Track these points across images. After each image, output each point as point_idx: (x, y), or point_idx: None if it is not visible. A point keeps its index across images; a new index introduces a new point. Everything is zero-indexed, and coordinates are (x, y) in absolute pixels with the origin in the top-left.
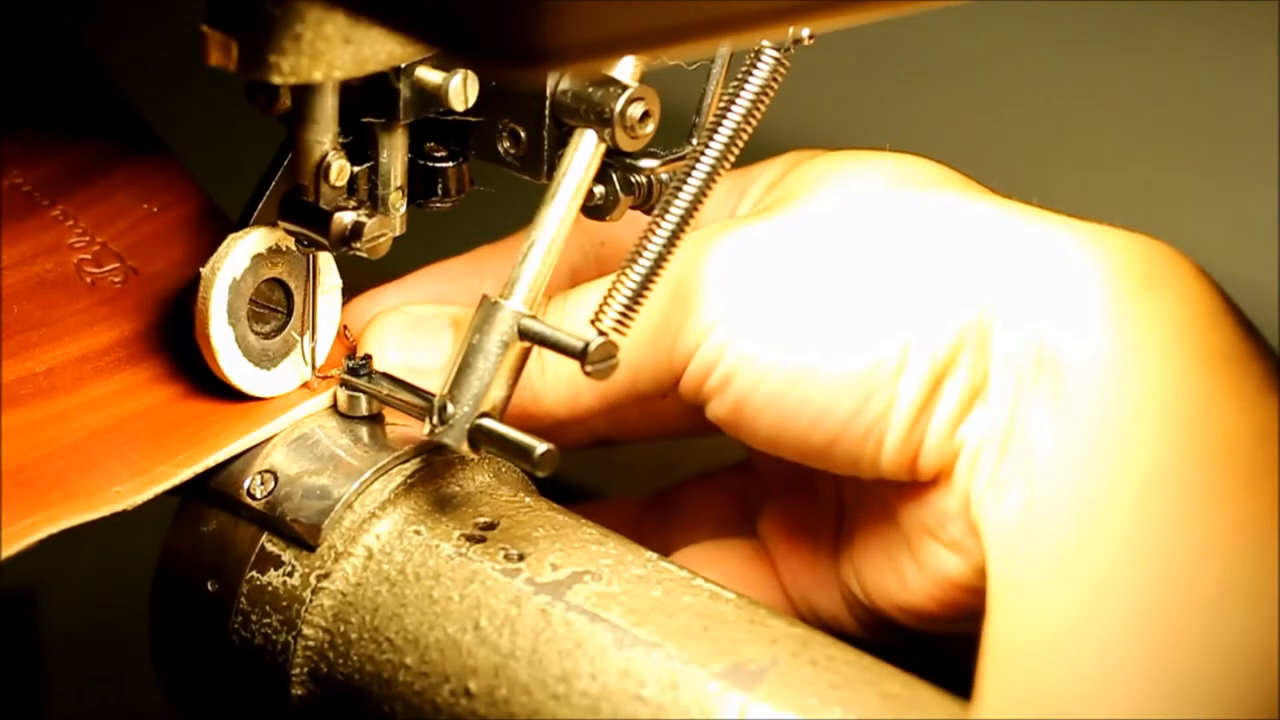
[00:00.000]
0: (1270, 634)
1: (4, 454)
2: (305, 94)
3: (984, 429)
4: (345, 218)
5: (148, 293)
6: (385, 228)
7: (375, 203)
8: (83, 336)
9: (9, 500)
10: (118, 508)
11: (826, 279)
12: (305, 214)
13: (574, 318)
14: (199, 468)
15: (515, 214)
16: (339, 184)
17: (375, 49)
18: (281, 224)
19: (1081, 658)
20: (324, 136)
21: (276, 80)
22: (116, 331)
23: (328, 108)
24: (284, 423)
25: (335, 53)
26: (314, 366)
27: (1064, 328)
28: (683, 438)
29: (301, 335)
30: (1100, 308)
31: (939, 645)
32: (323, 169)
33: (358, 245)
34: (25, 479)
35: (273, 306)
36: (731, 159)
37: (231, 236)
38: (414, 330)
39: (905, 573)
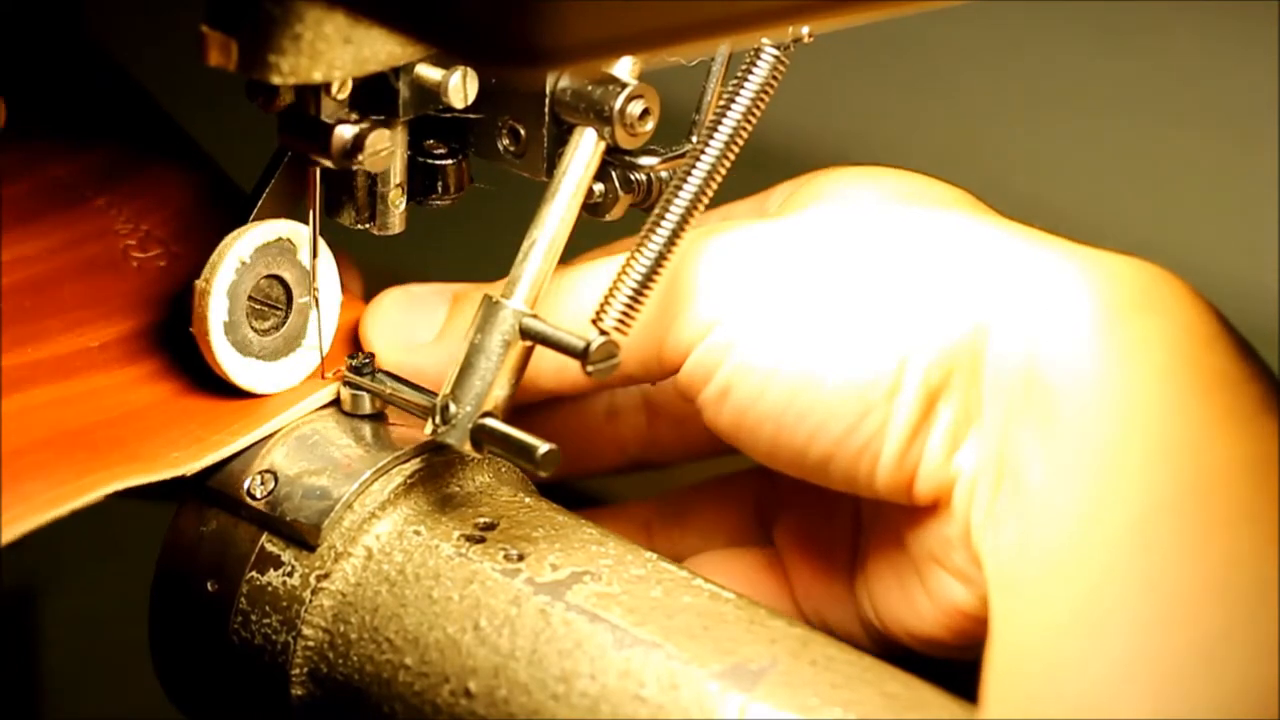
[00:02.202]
0: (1271, 679)
1: (63, 418)
2: None
3: (978, 457)
4: (346, 131)
5: (191, 278)
6: (385, 140)
7: (374, 200)
8: (133, 315)
9: (70, 459)
10: (176, 472)
11: (825, 288)
12: (306, 128)
13: (571, 301)
14: (256, 435)
15: (515, 212)
16: (341, 96)
17: (375, 49)
18: (281, 139)
19: (1077, 699)
20: None
21: (276, 80)
22: (164, 311)
23: None
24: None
25: (335, 53)
26: (322, 354)
27: (1054, 354)
28: (717, 456)
29: (310, 322)
30: (1091, 332)
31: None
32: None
33: (360, 158)
34: (87, 440)
35: (272, 303)
36: (731, 157)
37: (231, 234)
38: (411, 305)
39: (916, 600)
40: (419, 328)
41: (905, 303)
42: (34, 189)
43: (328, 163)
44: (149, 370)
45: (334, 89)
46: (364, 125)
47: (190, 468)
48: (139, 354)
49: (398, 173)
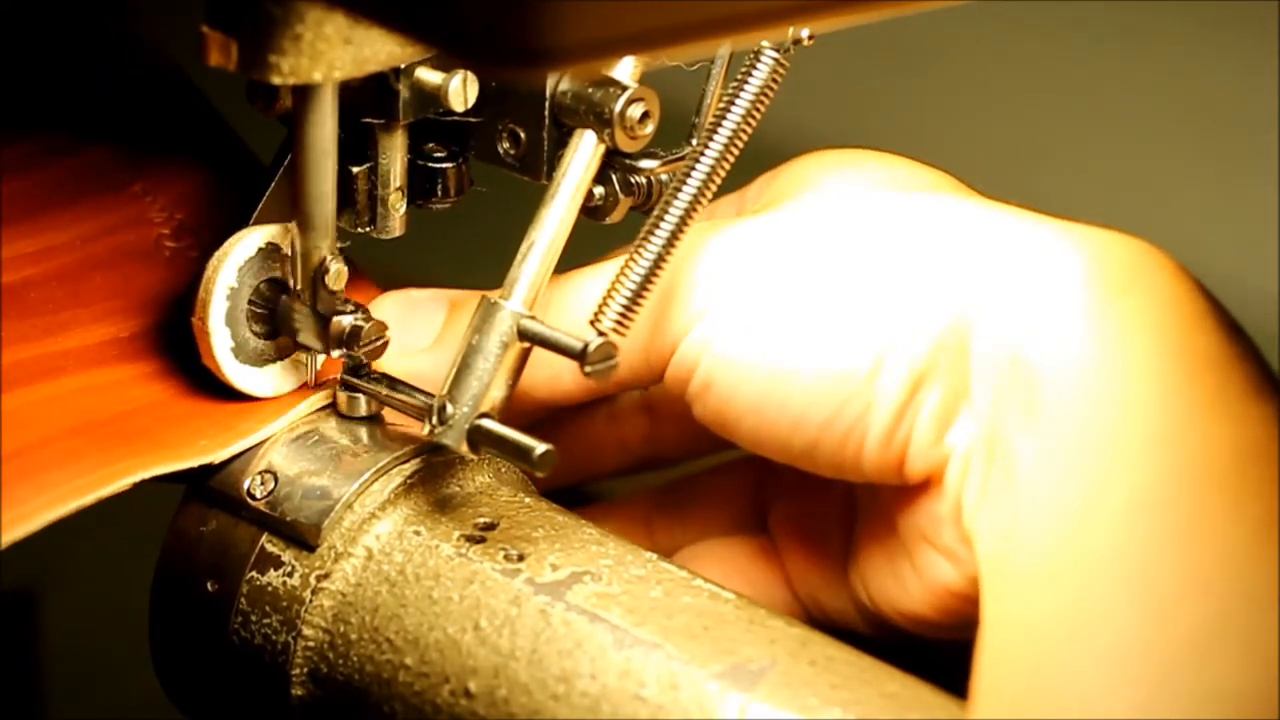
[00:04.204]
0: (1262, 677)
1: (91, 406)
2: (302, 183)
3: (971, 437)
4: (344, 321)
5: None
6: (381, 331)
7: (374, 203)
8: (163, 306)
9: (99, 447)
10: (206, 460)
11: (804, 282)
12: (304, 320)
13: (570, 307)
14: (284, 422)
15: (515, 215)
16: (337, 288)
17: (375, 49)
18: (281, 327)
19: (1066, 697)
20: (322, 242)
21: (276, 80)
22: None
23: (326, 213)
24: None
25: (335, 53)
26: (313, 369)
27: (1039, 334)
28: (721, 453)
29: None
30: (1076, 312)
31: (943, 647)
32: (320, 274)
33: (356, 348)
34: (114, 429)
35: (272, 307)
36: (731, 159)
37: (232, 237)
38: (409, 310)
39: (905, 578)
40: (416, 332)
41: (886, 290)
42: (71, 173)
43: (321, 354)
44: (177, 361)
45: (329, 280)
46: (359, 317)
47: (219, 455)
48: (168, 345)
49: (398, 176)
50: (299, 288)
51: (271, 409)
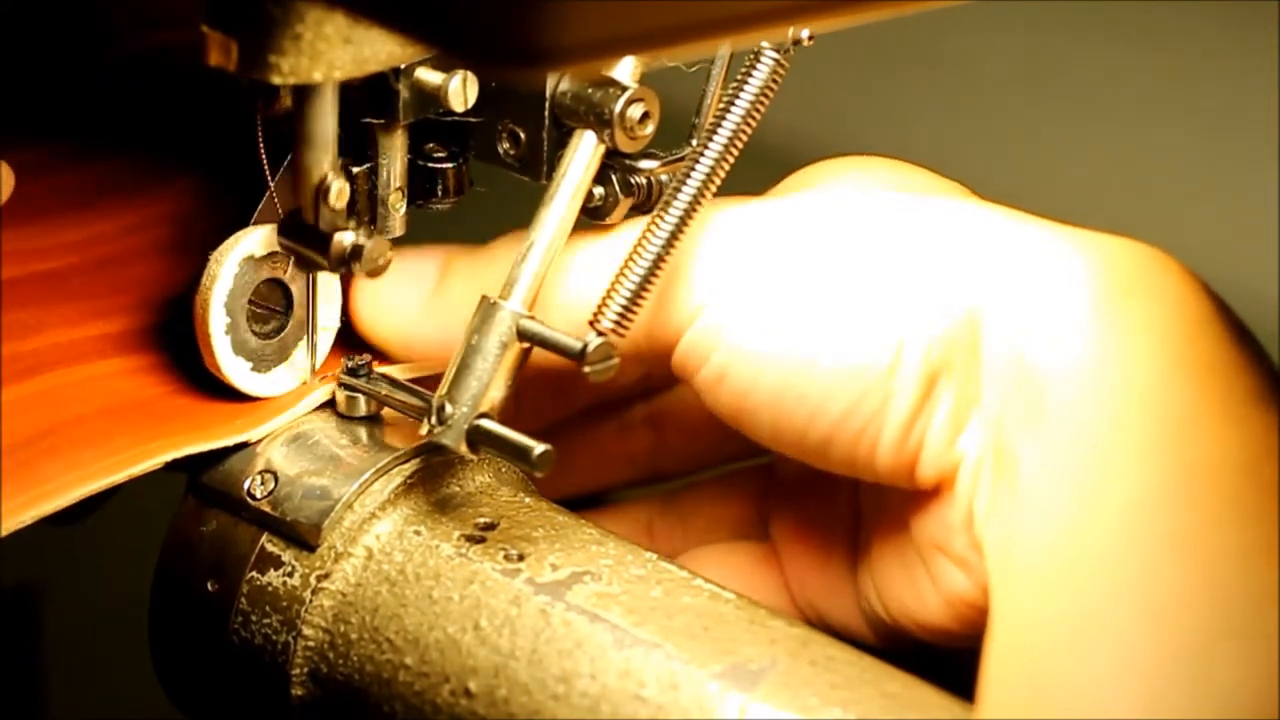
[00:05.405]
0: (1263, 678)
1: (125, 389)
2: (303, 115)
3: (981, 442)
4: (345, 239)
5: None
6: (385, 250)
7: (374, 203)
8: None
9: (132, 426)
10: (241, 438)
11: (821, 270)
12: (305, 235)
13: (566, 290)
14: (320, 397)
15: (515, 215)
16: (338, 206)
17: (375, 49)
18: (281, 244)
19: (1069, 698)
20: (323, 158)
21: (276, 80)
22: None
23: (327, 129)
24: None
25: (335, 53)
26: (313, 366)
27: (1043, 339)
28: (728, 463)
29: (306, 333)
30: (1080, 316)
31: (945, 652)
32: (322, 190)
33: (357, 267)
34: (149, 410)
35: (272, 307)
36: (731, 160)
37: (231, 238)
38: (398, 274)
39: (921, 588)
40: (405, 298)
41: (901, 284)
42: (116, 168)
43: (325, 270)
44: None
45: (331, 198)
46: (361, 234)
47: (254, 434)
48: None
49: (398, 176)
50: (301, 207)
51: (293, 395)
